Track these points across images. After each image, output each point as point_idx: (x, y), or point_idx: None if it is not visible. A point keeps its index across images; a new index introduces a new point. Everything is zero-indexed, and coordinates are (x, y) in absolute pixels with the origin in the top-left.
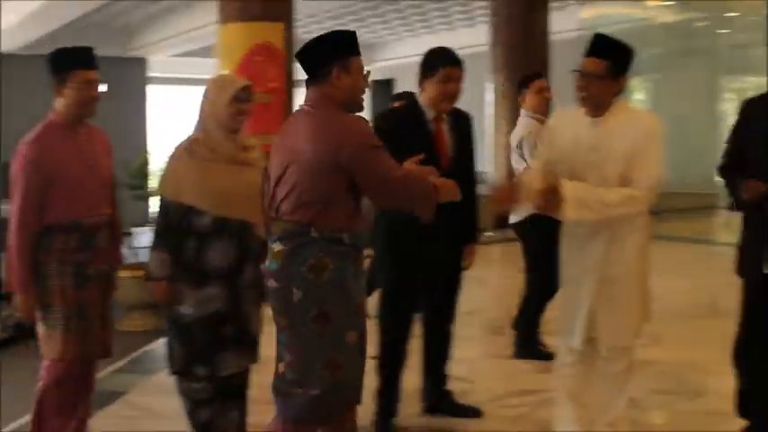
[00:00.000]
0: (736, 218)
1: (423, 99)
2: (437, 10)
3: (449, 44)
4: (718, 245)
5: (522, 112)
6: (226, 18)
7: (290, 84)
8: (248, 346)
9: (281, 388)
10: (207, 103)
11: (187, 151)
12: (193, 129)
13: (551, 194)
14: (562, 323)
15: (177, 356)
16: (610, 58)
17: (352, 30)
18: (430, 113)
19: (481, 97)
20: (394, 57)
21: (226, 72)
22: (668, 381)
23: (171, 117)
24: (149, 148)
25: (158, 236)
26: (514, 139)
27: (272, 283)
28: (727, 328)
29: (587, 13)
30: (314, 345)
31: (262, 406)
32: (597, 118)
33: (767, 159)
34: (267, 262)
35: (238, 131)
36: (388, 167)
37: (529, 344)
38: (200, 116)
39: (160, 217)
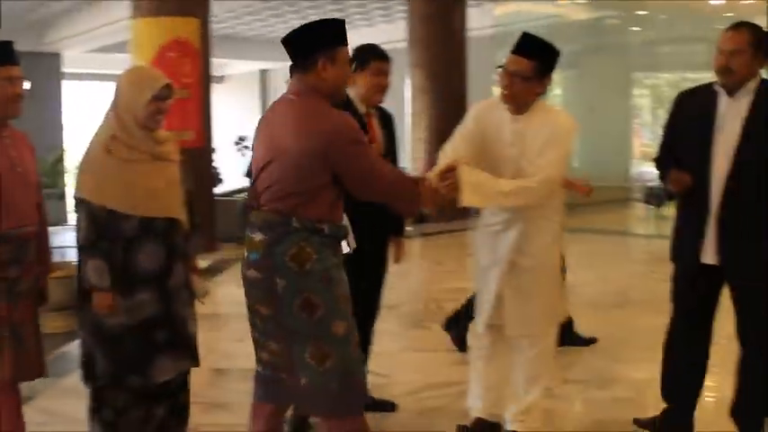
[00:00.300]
0: (651, 210)
1: (354, 93)
2: (356, 6)
3: (368, 40)
4: (631, 236)
5: None
6: (139, 13)
7: (206, 80)
8: (184, 349)
9: (265, 374)
10: (123, 98)
11: (106, 150)
12: (104, 123)
13: (449, 174)
14: (476, 310)
15: (103, 369)
16: (536, 59)
17: (341, 18)
18: (361, 108)
19: (400, 93)
20: None
21: (141, 65)
22: (579, 370)
23: (86, 113)
24: (65, 145)
25: (91, 242)
26: None
27: (252, 273)
28: (637, 317)
29: (502, 10)
30: (300, 333)
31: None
32: (518, 115)
33: (698, 151)
34: (246, 252)
35: (157, 129)
36: (372, 162)
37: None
38: (114, 111)
39: (87, 222)
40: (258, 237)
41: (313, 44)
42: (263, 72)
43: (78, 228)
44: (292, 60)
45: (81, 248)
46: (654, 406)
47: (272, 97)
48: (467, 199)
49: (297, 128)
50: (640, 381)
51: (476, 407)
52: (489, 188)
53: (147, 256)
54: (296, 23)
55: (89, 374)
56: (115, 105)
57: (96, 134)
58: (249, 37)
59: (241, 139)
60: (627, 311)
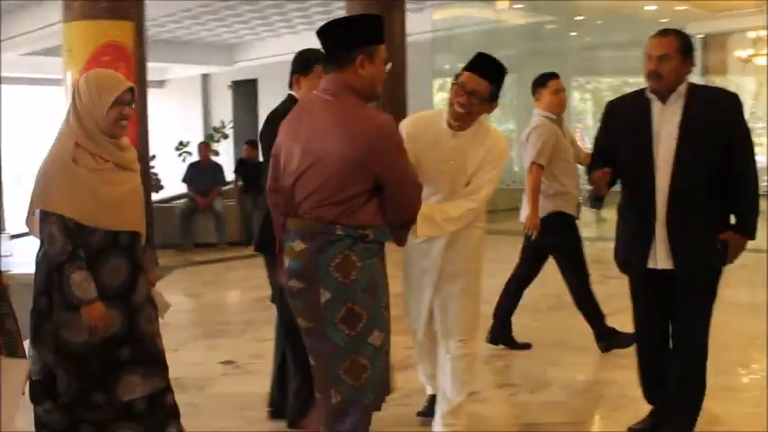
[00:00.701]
0: (593, 213)
1: (300, 96)
2: (297, 10)
3: (309, 43)
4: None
5: (535, 111)
6: (72, 16)
7: (142, 84)
8: (153, 367)
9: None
10: (84, 104)
11: (71, 159)
12: (64, 131)
13: None
14: (409, 316)
15: (66, 387)
16: (494, 81)
17: (380, 15)
18: None
19: None
20: (256, 57)
21: (101, 69)
22: (512, 374)
23: (22, 118)
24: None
25: (69, 254)
26: (524, 135)
27: (293, 283)
28: (572, 320)
29: (440, 14)
30: (339, 347)
31: None
32: (458, 131)
33: (639, 159)
34: (287, 261)
35: (120, 136)
36: (408, 167)
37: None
38: (74, 118)
39: (61, 234)
40: (299, 246)
41: (354, 39)
42: (205, 76)
43: (51, 242)
44: (328, 54)
45: (59, 264)
46: (587, 409)
47: (213, 102)
48: (421, 231)
49: (339, 131)
50: (573, 383)
51: (430, 385)
52: (439, 217)
53: (111, 272)
54: (238, 27)
55: (46, 393)
56: (75, 112)
57: (56, 142)
58: (190, 41)
59: (182, 144)
60: (562, 314)
